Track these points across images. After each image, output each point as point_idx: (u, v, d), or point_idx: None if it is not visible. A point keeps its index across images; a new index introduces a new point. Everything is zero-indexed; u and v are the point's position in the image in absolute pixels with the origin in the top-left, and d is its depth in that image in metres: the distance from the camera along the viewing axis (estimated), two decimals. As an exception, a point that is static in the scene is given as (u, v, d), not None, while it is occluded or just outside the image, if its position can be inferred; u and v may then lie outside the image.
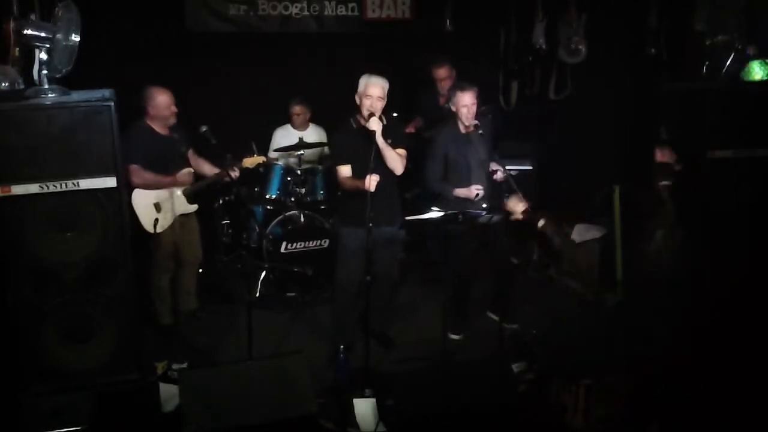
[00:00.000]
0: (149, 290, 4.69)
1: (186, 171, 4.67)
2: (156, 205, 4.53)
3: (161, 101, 4.50)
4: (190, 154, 4.73)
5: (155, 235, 4.40)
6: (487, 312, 5.04)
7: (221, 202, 5.63)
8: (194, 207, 4.75)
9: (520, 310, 4.99)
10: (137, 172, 4.42)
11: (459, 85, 4.54)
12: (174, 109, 4.55)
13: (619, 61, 5.64)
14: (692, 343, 3.98)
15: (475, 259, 4.83)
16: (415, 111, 5.87)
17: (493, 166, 4.60)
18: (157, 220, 4.32)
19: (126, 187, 4.28)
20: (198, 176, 4.73)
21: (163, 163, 4.55)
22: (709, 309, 4.10)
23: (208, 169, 4.74)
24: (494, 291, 5.01)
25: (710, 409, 3.76)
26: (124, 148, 4.34)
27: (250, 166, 5.02)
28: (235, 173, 4.71)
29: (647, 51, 5.37)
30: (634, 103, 5.42)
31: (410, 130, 5.72)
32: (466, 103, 4.44)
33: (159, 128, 4.56)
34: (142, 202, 4.50)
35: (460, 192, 4.54)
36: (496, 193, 4.58)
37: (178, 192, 4.65)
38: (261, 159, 5.10)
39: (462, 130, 4.56)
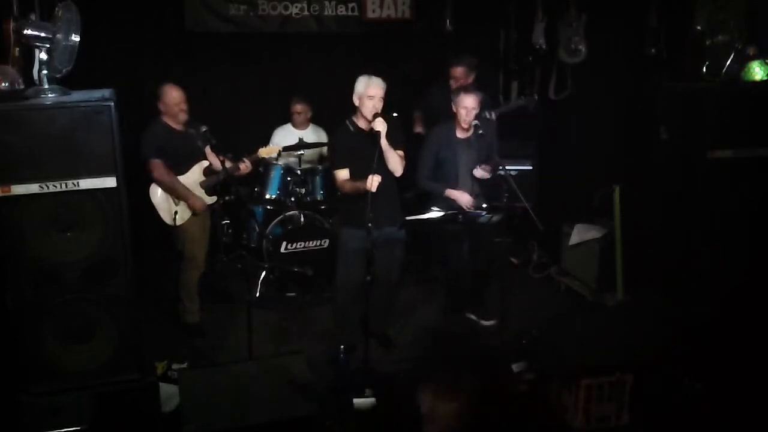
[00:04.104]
0: (176, 287, 4.79)
1: (198, 168, 4.74)
2: (173, 198, 4.62)
3: (171, 98, 4.59)
4: (207, 150, 4.77)
5: (182, 229, 4.58)
6: (466, 314, 5.03)
7: (221, 202, 5.64)
8: (212, 199, 4.81)
9: (519, 310, 4.99)
10: (159, 167, 4.53)
11: (464, 87, 4.55)
12: (183, 107, 4.62)
13: (619, 61, 5.63)
14: (692, 343, 3.98)
15: (474, 258, 4.84)
16: (418, 108, 5.85)
17: (479, 170, 4.57)
18: (176, 212, 4.49)
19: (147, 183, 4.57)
20: (213, 170, 4.77)
21: (179, 158, 4.64)
22: (709, 309, 4.11)
23: (227, 163, 4.78)
24: (473, 290, 4.99)
25: (710, 408, 3.76)
26: (143, 145, 4.50)
27: (267, 156, 5.10)
28: (245, 165, 4.78)
29: (647, 51, 5.36)
30: (634, 103, 5.41)
31: (418, 130, 5.71)
32: (466, 105, 4.44)
33: (174, 124, 4.64)
34: (160, 196, 4.61)
35: (452, 193, 4.54)
36: (496, 193, 4.58)
37: (197, 185, 4.72)
38: (277, 149, 5.20)
39: (458, 133, 4.56)
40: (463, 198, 4.54)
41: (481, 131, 4.44)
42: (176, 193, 4.61)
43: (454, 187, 4.58)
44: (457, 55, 5.60)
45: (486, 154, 4.61)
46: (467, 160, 4.57)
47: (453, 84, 5.55)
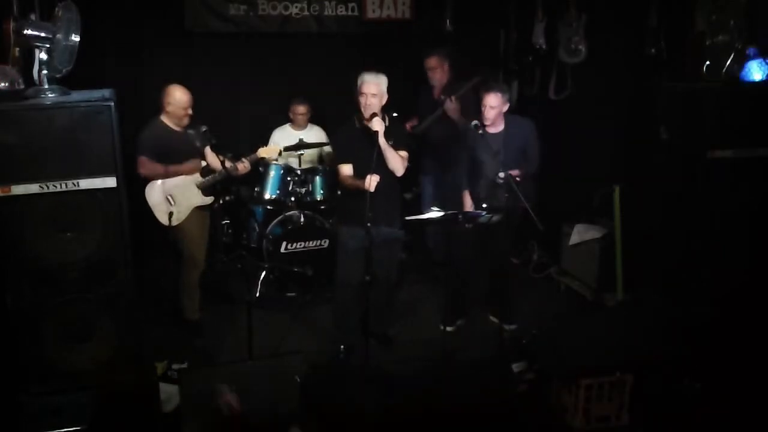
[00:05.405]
0: (177, 286, 4.79)
1: (195, 161, 4.72)
2: (169, 198, 4.61)
3: (180, 100, 4.55)
4: (207, 150, 4.75)
5: (179, 229, 4.56)
6: (489, 316, 5.05)
7: (221, 202, 5.64)
8: (209, 199, 4.80)
9: (519, 310, 5.01)
10: (144, 163, 4.52)
11: (487, 85, 4.60)
12: (190, 111, 4.58)
13: (619, 61, 5.63)
14: (692, 343, 3.98)
15: (475, 258, 4.84)
16: (413, 110, 5.87)
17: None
18: (171, 213, 4.47)
19: (141, 181, 4.55)
20: (210, 170, 4.76)
21: (176, 158, 4.62)
22: (709, 309, 4.10)
23: (226, 163, 4.77)
24: (492, 293, 5.01)
25: (710, 408, 3.76)
26: (138, 142, 4.48)
27: (267, 156, 5.09)
28: (243, 165, 4.76)
29: (647, 51, 5.35)
30: (634, 103, 5.41)
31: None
32: (485, 103, 4.50)
33: (173, 125, 4.62)
34: (156, 196, 4.60)
35: (466, 199, 4.62)
36: (496, 193, 4.57)
37: (193, 184, 4.70)
38: (278, 149, 5.20)
39: (480, 130, 4.56)
40: (467, 202, 4.62)
41: (481, 131, 4.44)
42: (170, 175, 4.60)
43: (476, 182, 4.64)
44: (428, 50, 5.74)
45: (518, 153, 4.59)
46: (489, 156, 4.54)
47: (430, 75, 5.69)
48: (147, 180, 4.58)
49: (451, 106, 5.37)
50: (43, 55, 3.26)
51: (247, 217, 5.71)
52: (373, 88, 4.17)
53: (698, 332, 4.00)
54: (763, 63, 4.26)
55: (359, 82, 4.21)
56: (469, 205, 4.64)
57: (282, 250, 5.35)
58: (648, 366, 3.88)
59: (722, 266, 4.17)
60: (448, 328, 4.78)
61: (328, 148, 5.83)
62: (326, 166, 5.75)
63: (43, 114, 3.20)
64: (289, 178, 5.57)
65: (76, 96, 3.36)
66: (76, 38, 3.30)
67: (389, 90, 4.26)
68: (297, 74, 6.28)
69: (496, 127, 4.59)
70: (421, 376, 4.17)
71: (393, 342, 4.75)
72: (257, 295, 5.35)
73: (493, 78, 6.02)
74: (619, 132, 5.59)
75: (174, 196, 4.62)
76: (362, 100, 4.18)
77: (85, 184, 3.28)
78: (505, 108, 4.58)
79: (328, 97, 6.02)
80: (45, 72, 3.29)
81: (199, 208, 4.74)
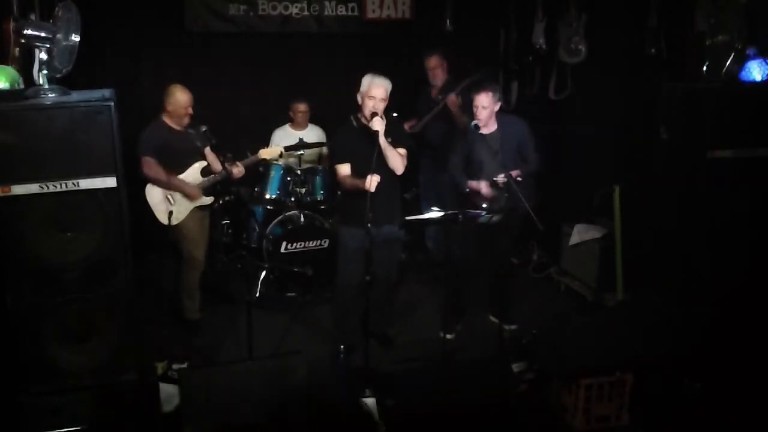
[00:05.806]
0: (177, 286, 4.80)
1: (197, 167, 4.72)
2: (169, 198, 4.61)
3: (180, 100, 4.56)
4: (207, 150, 4.75)
5: (178, 228, 4.57)
6: (489, 316, 5.04)
7: (221, 202, 5.65)
8: (209, 199, 4.80)
9: (519, 310, 5.01)
10: (151, 165, 4.52)
11: (478, 85, 4.59)
12: (190, 110, 4.59)
13: (619, 61, 5.63)
14: (692, 343, 3.98)
15: (475, 258, 4.84)
16: (413, 110, 5.89)
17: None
18: (171, 212, 4.48)
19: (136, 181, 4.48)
20: (210, 171, 4.77)
21: (176, 157, 4.62)
22: (709, 309, 4.11)
23: (226, 164, 4.77)
24: (492, 293, 5.01)
25: (710, 408, 3.76)
26: (140, 142, 4.50)
27: (269, 157, 5.09)
28: (238, 169, 4.77)
29: (647, 51, 5.36)
30: (634, 103, 5.41)
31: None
32: (476, 103, 4.48)
33: (175, 125, 4.62)
34: (156, 196, 4.61)
35: (473, 184, 4.57)
36: (496, 193, 4.57)
37: (194, 184, 4.70)
38: (279, 150, 5.19)
39: (482, 129, 4.55)
40: (480, 186, 4.55)
41: (480, 131, 4.44)
42: (171, 187, 4.60)
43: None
44: (427, 50, 5.79)
45: (515, 153, 4.59)
46: (489, 156, 4.53)
47: (431, 76, 5.74)
48: (147, 180, 4.59)
49: (453, 99, 5.39)
50: (43, 55, 3.26)
51: (247, 217, 5.72)
52: (383, 93, 4.17)
53: (698, 332, 4.00)
54: (764, 63, 4.26)
55: (367, 83, 4.18)
56: (475, 184, 4.56)
57: (282, 250, 5.35)
58: (648, 366, 3.88)
59: (722, 266, 4.17)
60: (448, 336, 4.74)
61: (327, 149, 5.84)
62: (326, 166, 5.75)
63: (43, 114, 3.19)
64: (289, 178, 5.57)
65: (76, 96, 3.35)
66: (76, 38, 3.30)
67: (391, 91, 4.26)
68: (297, 74, 6.29)
69: (488, 128, 4.57)
70: (421, 376, 4.16)
71: (393, 342, 4.75)
72: (257, 295, 5.36)
73: (491, 77, 6.02)
74: (619, 132, 5.60)
75: (174, 195, 4.63)
76: (370, 102, 4.15)
77: (85, 184, 3.27)
78: (497, 107, 4.55)
79: (328, 97, 6.02)
80: (45, 72, 3.29)
81: (199, 208, 4.75)
